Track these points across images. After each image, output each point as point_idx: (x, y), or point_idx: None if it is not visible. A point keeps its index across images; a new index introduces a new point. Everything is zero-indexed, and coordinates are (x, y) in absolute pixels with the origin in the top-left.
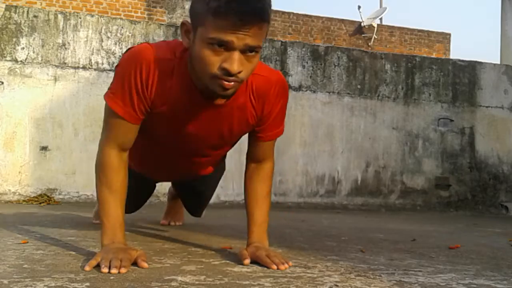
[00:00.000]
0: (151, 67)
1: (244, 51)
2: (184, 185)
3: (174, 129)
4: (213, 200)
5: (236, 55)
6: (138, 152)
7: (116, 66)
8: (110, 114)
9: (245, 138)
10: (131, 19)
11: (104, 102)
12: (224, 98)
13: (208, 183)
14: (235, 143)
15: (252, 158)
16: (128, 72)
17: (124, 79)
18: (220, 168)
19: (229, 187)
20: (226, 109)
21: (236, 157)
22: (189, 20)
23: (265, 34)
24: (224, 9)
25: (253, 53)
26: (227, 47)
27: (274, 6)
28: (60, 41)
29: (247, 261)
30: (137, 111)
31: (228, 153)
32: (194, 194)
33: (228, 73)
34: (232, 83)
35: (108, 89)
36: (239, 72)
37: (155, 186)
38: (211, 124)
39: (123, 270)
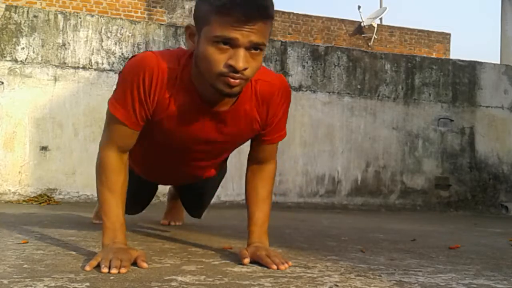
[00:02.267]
0: (154, 75)
1: (249, 48)
2: (185, 187)
3: (176, 137)
4: (213, 200)
5: (242, 51)
6: (141, 157)
7: (120, 72)
8: (111, 119)
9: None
10: (131, 19)
11: (106, 104)
12: (230, 97)
13: (209, 185)
14: (238, 146)
15: (254, 160)
16: (131, 79)
17: (127, 86)
18: (222, 170)
19: (229, 187)
20: (231, 116)
21: (236, 157)
22: (193, 23)
23: (269, 31)
24: (229, 6)
25: (258, 51)
26: (232, 44)
27: (274, 6)
28: (60, 41)
29: (247, 260)
30: (138, 118)
31: None
32: (194, 196)
33: (234, 70)
34: (238, 80)
35: (112, 95)
36: (245, 69)
37: (157, 188)
38: (215, 132)
39: (123, 270)
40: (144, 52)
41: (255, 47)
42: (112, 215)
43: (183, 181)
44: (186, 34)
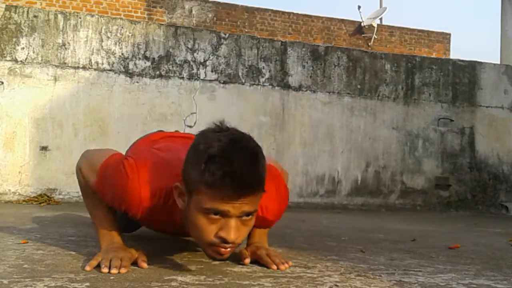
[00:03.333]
0: (131, 211)
1: (241, 216)
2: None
3: (161, 229)
4: None
5: (233, 222)
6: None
7: (106, 173)
8: (100, 167)
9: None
10: (131, 19)
11: (106, 104)
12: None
13: None
14: None
15: None
16: (113, 196)
17: (106, 192)
18: None
19: None
20: None
21: None
22: (181, 183)
23: (260, 196)
24: (219, 185)
25: (249, 217)
26: (223, 215)
27: (274, 6)
28: (60, 41)
29: (247, 260)
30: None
31: None
32: None
33: (225, 241)
34: (229, 249)
35: (104, 163)
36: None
37: None
38: None
39: (123, 270)
40: (131, 183)
41: (247, 214)
42: (105, 221)
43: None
44: (175, 192)
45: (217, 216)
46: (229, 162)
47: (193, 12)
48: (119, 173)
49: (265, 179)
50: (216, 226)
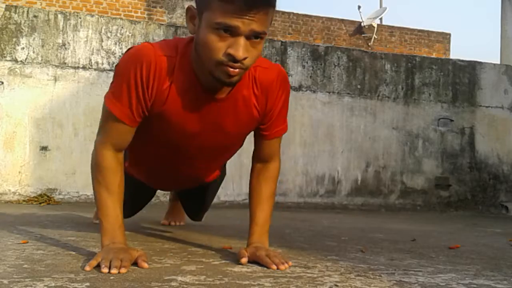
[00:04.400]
0: (152, 65)
1: (249, 36)
2: (187, 192)
3: (177, 129)
4: (213, 200)
5: (242, 40)
6: (140, 159)
7: (116, 65)
8: (107, 115)
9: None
10: (131, 19)
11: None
12: (228, 86)
13: (210, 189)
14: (241, 145)
15: (258, 158)
16: (127, 72)
17: (123, 80)
18: (222, 173)
19: (229, 187)
20: (230, 103)
21: (236, 157)
22: (194, 5)
23: (270, 20)
24: None
25: (258, 39)
26: (232, 32)
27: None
28: (60, 41)
29: (244, 260)
30: (135, 113)
31: None
32: (195, 200)
33: (233, 59)
34: (237, 70)
35: (109, 89)
36: (244, 59)
37: (155, 192)
38: (215, 121)
39: (123, 270)
40: (140, 44)
41: (255, 35)
42: (110, 216)
43: (186, 185)
44: (187, 16)
45: (226, 34)
46: None
47: None
48: (128, 52)
49: None
50: (225, 44)
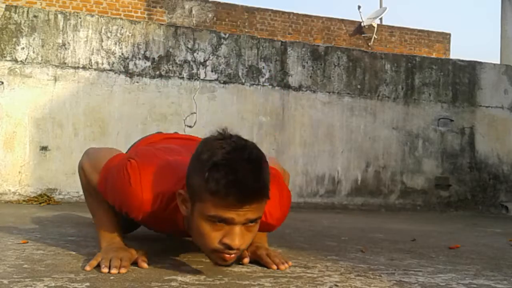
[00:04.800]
0: (132, 215)
1: (245, 223)
2: None
3: (163, 231)
4: None
5: (237, 229)
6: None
7: (114, 179)
8: (96, 168)
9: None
10: (131, 19)
11: (106, 104)
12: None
13: None
14: None
15: None
16: (118, 203)
17: (110, 193)
18: None
19: None
20: None
21: None
22: (184, 190)
23: (265, 203)
24: (224, 193)
25: (254, 223)
26: (227, 222)
27: (274, 6)
28: (60, 41)
29: (246, 260)
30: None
31: None
32: None
33: (229, 247)
34: (233, 255)
35: (108, 164)
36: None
37: None
38: None
39: (123, 270)
40: (134, 190)
41: (251, 221)
42: (106, 220)
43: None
44: (179, 199)
45: (221, 223)
46: (233, 170)
47: (193, 12)
48: (121, 176)
49: (269, 186)
50: (220, 233)
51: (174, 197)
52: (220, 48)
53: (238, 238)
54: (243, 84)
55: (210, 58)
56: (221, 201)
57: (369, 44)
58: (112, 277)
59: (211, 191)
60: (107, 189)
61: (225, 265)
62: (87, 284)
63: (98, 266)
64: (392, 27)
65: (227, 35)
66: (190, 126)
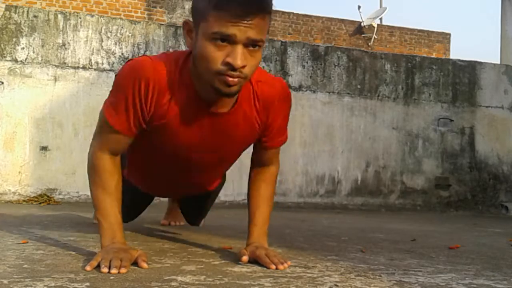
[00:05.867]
0: (150, 81)
1: (247, 45)
2: (186, 198)
3: (177, 143)
4: None
5: (239, 48)
6: (139, 168)
7: (116, 75)
8: (104, 123)
9: None
10: (131, 19)
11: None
12: (228, 96)
13: (209, 196)
14: (241, 153)
15: (257, 163)
16: (126, 86)
17: (122, 93)
18: (222, 180)
19: (229, 187)
20: (231, 117)
21: None
22: (190, 19)
23: (267, 28)
24: (226, 0)
25: (256, 48)
26: (229, 41)
27: (274, 6)
28: (60, 41)
29: (245, 258)
30: (132, 125)
31: None
32: (194, 205)
33: (232, 68)
34: (237, 79)
35: (108, 97)
36: (243, 67)
37: (153, 197)
38: (216, 135)
39: (123, 270)
40: (140, 58)
41: (253, 44)
42: (109, 215)
43: (187, 194)
44: (184, 30)
45: (224, 43)
46: None
47: None
48: (128, 65)
49: (271, 2)
50: (223, 54)
51: (183, 65)
52: None
53: (240, 57)
54: None
55: None
56: (224, 13)
57: (369, 44)
58: (112, 277)
59: (214, 3)
60: (117, 90)
61: (229, 93)
62: (87, 284)
63: (98, 266)
64: (392, 27)
65: None
66: None
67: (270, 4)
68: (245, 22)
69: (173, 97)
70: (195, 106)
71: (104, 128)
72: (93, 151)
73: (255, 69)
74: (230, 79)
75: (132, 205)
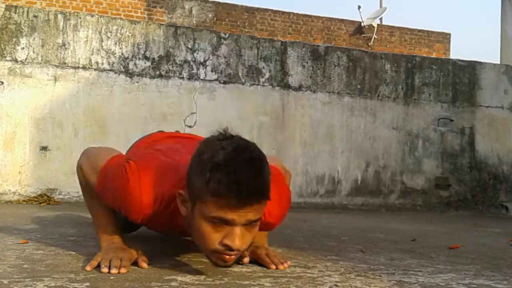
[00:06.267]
0: (134, 215)
1: (246, 224)
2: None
3: (165, 229)
4: None
5: (238, 230)
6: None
7: (107, 173)
8: (101, 169)
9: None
10: (131, 19)
11: (106, 104)
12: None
13: None
14: None
15: None
16: (114, 198)
17: (113, 200)
18: None
19: None
20: None
21: None
22: (184, 191)
23: (266, 204)
24: (225, 193)
25: (254, 224)
26: (228, 223)
27: (274, 6)
28: (60, 41)
29: (246, 259)
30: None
31: None
32: None
33: (230, 249)
34: (233, 256)
35: (100, 170)
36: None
37: None
38: None
39: (123, 270)
40: (131, 180)
41: (251, 223)
42: (105, 220)
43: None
44: (178, 199)
45: (222, 224)
46: (234, 170)
47: (193, 12)
48: (120, 177)
49: (270, 187)
50: (221, 234)
51: (174, 198)
52: (220, 48)
53: (239, 239)
54: (243, 84)
55: (210, 58)
56: (222, 201)
57: (369, 44)
58: (112, 277)
59: (212, 192)
60: (106, 190)
61: (225, 266)
62: (87, 284)
63: (98, 266)
64: (392, 27)
65: (227, 35)
66: (190, 126)
67: (268, 190)
68: (245, 209)
69: (153, 223)
70: (180, 223)
71: (95, 167)
72: (84, 171)
73: (251, 240)
74: (227, 257)
75: (132, 223)
